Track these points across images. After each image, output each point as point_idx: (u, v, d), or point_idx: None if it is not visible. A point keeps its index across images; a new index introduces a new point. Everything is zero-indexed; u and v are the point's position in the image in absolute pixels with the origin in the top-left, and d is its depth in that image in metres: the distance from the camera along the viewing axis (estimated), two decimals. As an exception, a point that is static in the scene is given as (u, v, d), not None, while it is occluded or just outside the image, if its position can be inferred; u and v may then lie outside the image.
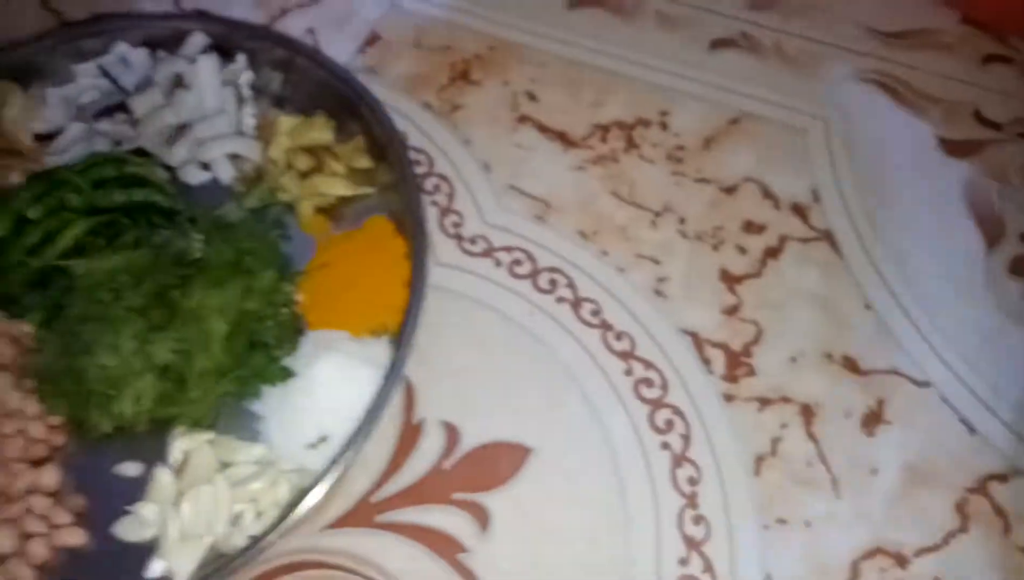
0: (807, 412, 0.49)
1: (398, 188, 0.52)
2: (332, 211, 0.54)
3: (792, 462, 0.48)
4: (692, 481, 0.47)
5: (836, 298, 0.53)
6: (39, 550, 0.44)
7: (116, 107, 0.57)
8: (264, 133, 0.56)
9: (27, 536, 0.44)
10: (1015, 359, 0.51)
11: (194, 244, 0.50)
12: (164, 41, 0.58)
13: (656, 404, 0.49)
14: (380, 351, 0.48)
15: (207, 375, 0.46)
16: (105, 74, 0.58)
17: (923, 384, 0.50)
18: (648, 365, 0.50)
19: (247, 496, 0.45)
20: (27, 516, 0.45)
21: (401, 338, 0.46)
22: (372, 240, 0.52)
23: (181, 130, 0.55)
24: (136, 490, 0.46)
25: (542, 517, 0.46)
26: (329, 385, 0.46)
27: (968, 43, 0.64)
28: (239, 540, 0.43)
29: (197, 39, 0.57)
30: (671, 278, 0.53)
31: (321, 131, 0.54)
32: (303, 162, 0.54)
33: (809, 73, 0.63)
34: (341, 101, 0.56)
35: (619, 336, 0.51)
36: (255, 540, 0.43)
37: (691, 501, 0.47)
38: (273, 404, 0.47)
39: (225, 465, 0.46)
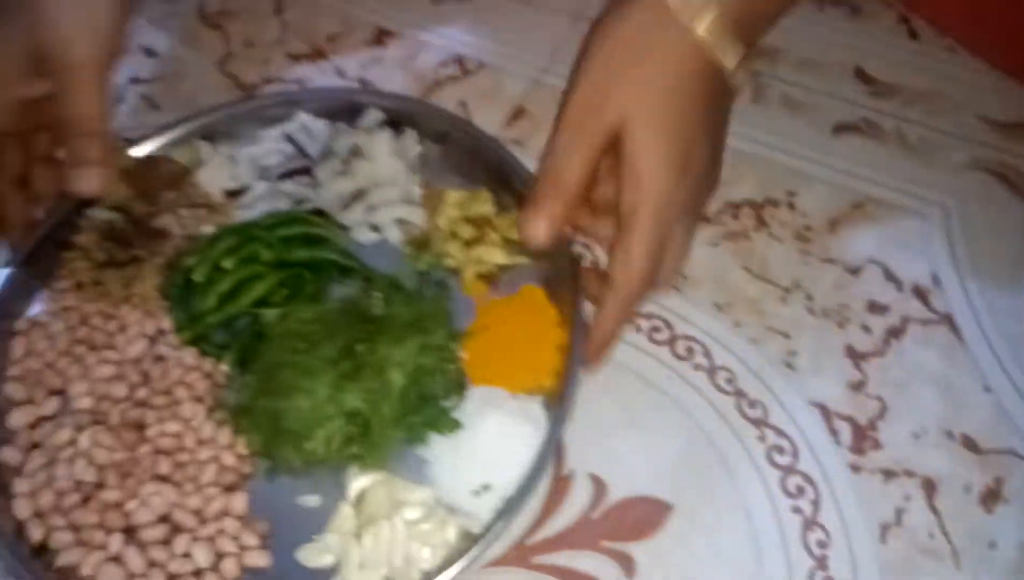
0: (929, 486, 0.53)
1: (552, 259, 0.57)
2: (490, 277, 0.59)
3: (915, 532, 0.51)
4: (822, 544, 0.51)
5: (956, 379, 0.57)
6: (231, 568, 0.50)
7: (297, 170, 0.64)
8: (429, 202, 0.62)
9: (219, 555, 0.50)
10: None
11: (374, 302, 0.56)
12: (338, 111, 0.65)
13: (787, 470, 0.53)
14: (536, 409, 0.53)
15: (387, 422, 0.52)
16: (290, 140, 0.64)
17: (1039, 466, 0.54)
18: (780, 433, 0.55)
19: (419, 535, 0.50)
20: (220, 537, 0.50)
21: (561, 401, 0.51)
22: (527, 306, 0.57)
23: (356, 195, 0.61)
24: (315, 520, 0.51)
25: (684, 570, 0.50)
26: (493, 438, 0.51)
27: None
28: (414, 575, 0.49)
29: (374, 114, 0.64)
30: (800, 352, 0.58)
31: (484, 204, 0.60)
32: (467, 232, 0.60)
33: (928, 160, 0.66)
34: (494, 173, 0.61)
35: (752, 404, 0.56)
36: (428, 575, 0.48)
37: (821, 563, 0.51)
38: (440, 451, 0.52)
39: (398, 504, 0.51)
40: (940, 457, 0.54)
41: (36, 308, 0.59)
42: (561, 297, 0.57)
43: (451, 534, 0.50)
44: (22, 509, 0.50)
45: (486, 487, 0.51)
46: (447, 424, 0.52)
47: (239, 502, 0.52)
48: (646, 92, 0.42)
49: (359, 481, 0.52)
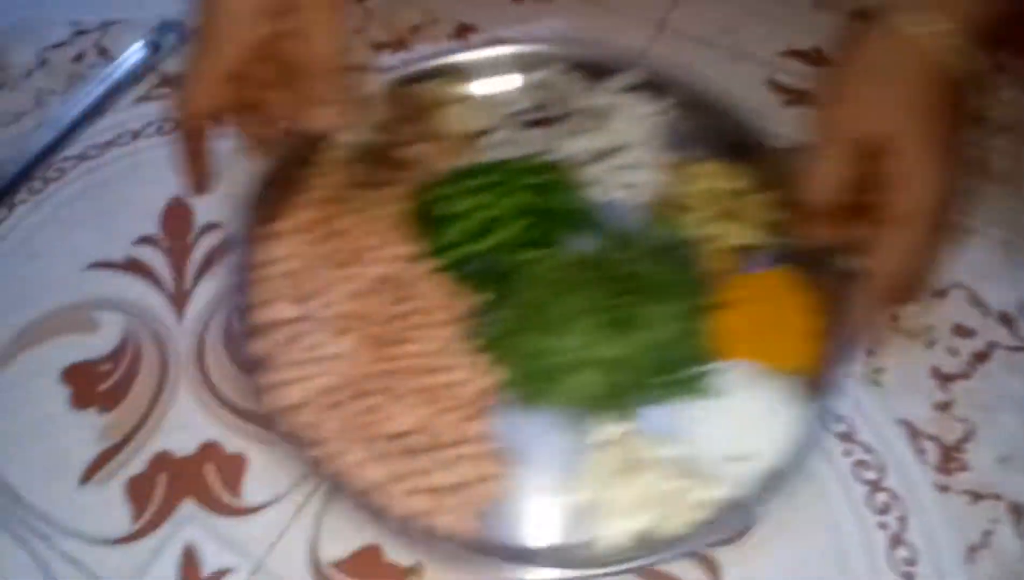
0: (1016, 511, 0.52)
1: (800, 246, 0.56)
2: (732, 254, 0.59)
3: (1003, 555, 0.51)
4: (909, 562, 0.50)
5: None
6: (469, 494, 0.49)
7: (542, 120, 0.64)
8: (676, 170, 0.62)
9: (462, 480, 0.50)
10: None
11: (621, 260, 0.56)
12: (592, 68, 0.65)
13: (874, 486, 0.53)
14: (794, 390, 0.52)
15: (644, 376, 0.52)
16: (541, 89, 0.65)
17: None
18: (866, 449, 0.54)
19: (672, 492, 0.49)
20: (462, 461, 0.50)
21: (825, 390, 0.51)
22: (780, 288, 0.57)
23: (601, 153, 0.62)
24: (553, 461, 0.51)
25: (768, 577, 0.50)
26: (755, 409, 0.51)
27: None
28: (664, 530, 0.48)
29: (628, 76, 0.64)
30: (886, 370, 0.57)
31: (739, 179, 0.60)
32: (718, 205, 0.59)
33: (1012, 190, 0.65)
34: (747, 149, 0.61)
35: (838, 419, 0.55)
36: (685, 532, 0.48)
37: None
38: (698, 414, 0.52)
39: (643, 459, 0.51)
40: None
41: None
42: (819, 282, 0.56)
43: (706, 496, 0.49)
44: (293, 393, 0.51)
45: (744, 456, 0.51)
46: (705, 389, 0.52)
47: (484, 428, 0.51)
48: (907, 111, 0.47)
49: (609, 428, 0.51)
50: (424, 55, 0.65)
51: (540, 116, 0.64)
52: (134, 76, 0.71)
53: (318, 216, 0.59)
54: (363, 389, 0.51)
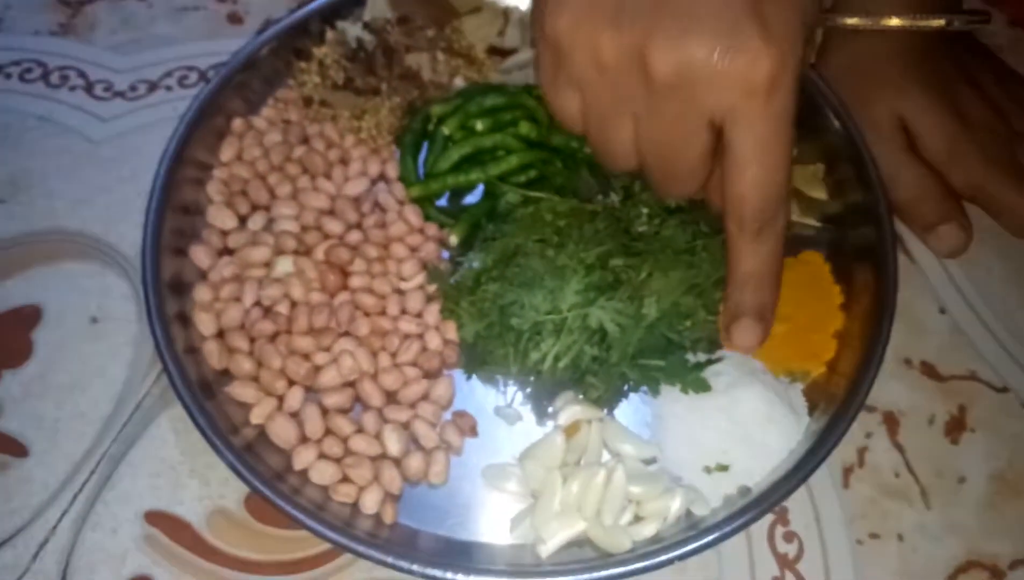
0: (891, 420, 0.46)
1: (866, 251, 0.47)
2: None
3: (880, 472, 0.44)
4: None
5: (912, 303, 0.49)
6: (420, 464, 0.42)
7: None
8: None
9: (415, 446, 0.43)
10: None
11: (634, 217, 0.47)
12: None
13: None
14: (797, 397, 0.44)
15: (626, 355, 0.43)
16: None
17: (1002, 390, 0.47)
18: None
19: (634, 495, 0.41)
20: (417, 423, 0.43)
21: (846, 408, 0.42)
22: (807, 278, 0.48)
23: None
24: (509, 439, 0.44)
25: None
26: (749, 415, 0.42)
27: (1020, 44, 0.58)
28: (619, 541, 0.40)
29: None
30: None
31: (787, 145, 0.50)
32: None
33: None
34: (807, 116, 0.51)
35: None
36: (635, 547, 0.40)
37: (781, 518, 0.43)
38: (679, 411, 0.43)
39: (615, 452, 0.43)
40: (900, 388, 0.47)
41: (254, 112, 0.52)
42: (850, 276, 0.48)
43: (675, 507, 0.41)
44: (204, 325, 0.43)
45: (723, 467, 0.42)
46: (694, 382, 0.43)
47: (445, 389, 0.44)
48: (904, 90, 0.50)
49: (573, 410, 0.43)
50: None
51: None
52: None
53: (290, 117, 0.51)
54: (296, 325, 0.44)
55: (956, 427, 0.46)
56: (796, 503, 0.44)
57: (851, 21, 0.52)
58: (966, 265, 0.50)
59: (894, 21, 0.50)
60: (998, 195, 0.48)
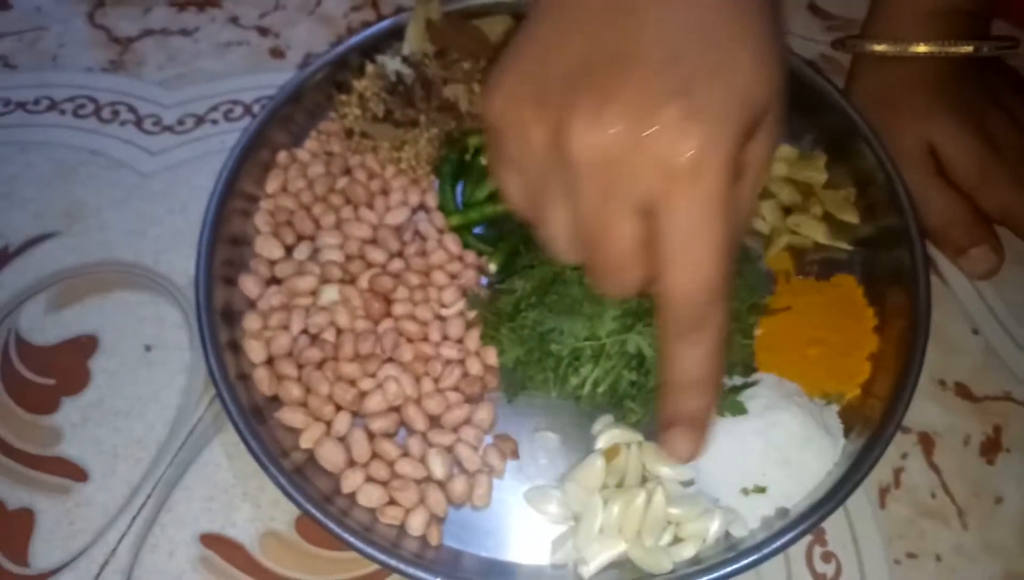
0: (926, 441, 0.46)
1: (898, 274, 0.48)
2: (798, 253, 0.51)
3: (917, 492, 0.45)
4: None
5: (945, 324, 0.49)
6: (464, 488, 0.43)
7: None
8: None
9: (460, 470, 0.44)
10: None
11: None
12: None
13: None
14: (833, 420, 0.45)
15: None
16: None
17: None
18: None
19: (673, 516, 0.42)
20: (460, 447, 0.44)
21: (882, 430, 0.43)
22: (841, 300, 0.49)
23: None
24: (550, 462, 0.45)
25: None
26: (786, 438, 0.43)
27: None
28: (660, 558, 0.41)
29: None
30: None
31: (818, 170, 0.51)
32: (787, 195, 0.51)
33: None
34: (830, 136, 0.53)
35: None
36: (676, 569, 0.41)
37: (819, 539, 0.44)
38: (716, 433, 0.44)
39: (654, 475, 0.44)
40: (935, 409, 0.47)
41: (298, 144, 0.54)
42: (883, 299, 0.48)
43: (714, 529, 0.42)
44: (254, 352, 0.45)
45: (760, 489, 0.43)
46: (732, 405, 0.44)
47: (486, 413, 0.45)
48: (933, 115, 0.51)
49: (612, 434, 0.44)
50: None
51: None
52: None
53: (333, 149, 0.53)
54: (342, 352, 0.45)
55: (992, 447, 0.46)
56: (833, 524, 0.44)
57: (879, 48, 0.52)
58: (998, 286, 0.51)
59: (922, 48, 0.51)
60: None
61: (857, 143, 0.51)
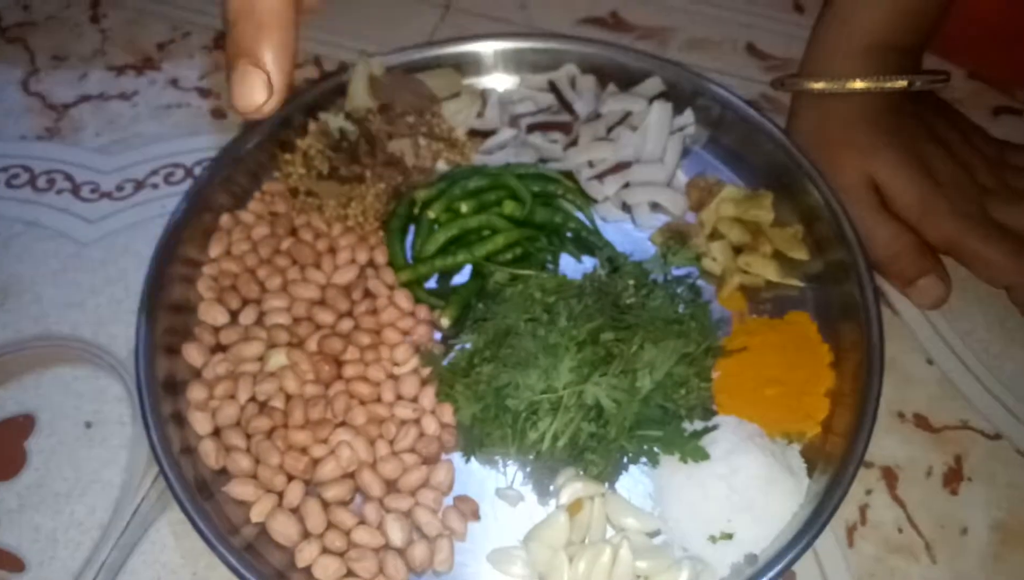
0: (889, 475, 0.46)
1: (850, 308, 0.48)
2: (751, 292, 0.51)
3: (883, 529, 0.44)
4: None
5: (899, 356, 0.50)
6: (424, 553, 0.42)
7: (551, 124, 0.56)
8: (695, 193, 0.53)
9: (419, 535, 0.42)
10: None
11: (622, 289, 0.48)
12: (612, 72, 0.57)
13: None
14: (795, 460, 0.45)
15: (623, 429, 0.43)
16: (554, 90, 0.57)
17: (995, 438, 0.47)
18: None
19: (641, 570, 0.41)
20: (419, 511, 0.43)
21: (844, 467, 0.42)
22: (796, 338, 0.49)
23: (615, 167, 0.54)
24: (512, 520, 0.44)
25: None
26: (750, 482, 0.42)
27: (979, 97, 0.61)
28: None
29: (654, 83, 0.56)
30: None
31: (766, 210, 0.52)
32: (737, 235, 0.51)
33: None
34: (775, 174, 0.53)
35: None
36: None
37: None
38: (680, 481, 0.43)
39: (619, 528, 0.43)
40: (895, 442, 0.47)
41: (242, 206, 0.53)
42: (837, 334, 0.48)
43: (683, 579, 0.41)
44: (200, 424, 0.43)
45: (727, 536, 0.42)
46: (693, 451, 0.43)
47: (445, 474, 0.44)
48: (873, 151, 0.52)
49: (575, 488, 0.43)
50: (425, 44, 0.58)
51: (548, 120, 0.56)
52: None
53: (278, 209, 0.52)
54: (293, 419, 0.44)
55: (954, 478, 0.46)
56: (803, 566, 0.43)
57: (817, 85, 0.53)
58: (949, 316, 0.51)
59: (858, 84, 0.52)
60: (972, 248, 0.49)
61: (801, 180, 0.52)
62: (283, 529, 0.41)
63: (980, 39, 0.58)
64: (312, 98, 0.55)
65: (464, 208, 0.51)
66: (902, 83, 0.52)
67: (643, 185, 0.53)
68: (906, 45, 0.53)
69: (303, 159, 0.54)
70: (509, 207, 0.51)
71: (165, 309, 0.47)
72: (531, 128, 0.56)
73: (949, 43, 0.58)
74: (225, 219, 0.52)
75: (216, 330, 0.47)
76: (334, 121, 0.54)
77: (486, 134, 0.56)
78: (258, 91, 0.33)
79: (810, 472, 0.44)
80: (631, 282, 0.48)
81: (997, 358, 0.50)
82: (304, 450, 0.43)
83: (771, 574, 0.40)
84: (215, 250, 0.51)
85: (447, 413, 0.45)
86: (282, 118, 0.55)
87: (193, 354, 0.46)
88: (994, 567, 0.43)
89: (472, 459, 0.45)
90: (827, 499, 0.42)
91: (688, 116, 0.55)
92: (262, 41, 0.33)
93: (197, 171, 0.57)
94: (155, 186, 0.56)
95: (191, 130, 0.59)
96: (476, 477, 0.45)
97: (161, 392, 0.44)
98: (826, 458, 0.44)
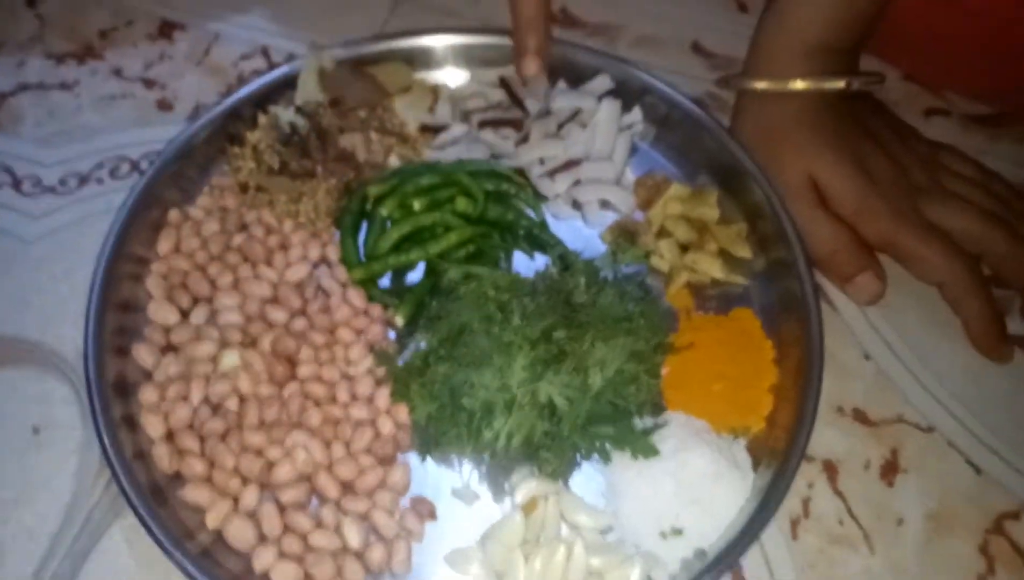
0: (830, 468, 0.48)
1: (791, 304, 0.50)
2: (698, 289, 0.52)
3: (825, 521, 0.47)
4: None
5: (838, 351, 0.52)
6: (381, 556, 0.42)
7: (502, 121, 0.56)
8: (643, 191, 0.54)
9: (377, 537, 0.43)
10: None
11: (573, 287, 0.49)
12: (560, 69, 0.57)
13: None
14: (741, 454, 0.46)
15: (576, 426, 0.44)
16: (504, 85, 0.57)
17: (928, 430, 0.49)
18: None
19: (595, 567, 0.42)
20: (376, 513, 0.43)
21: (788, 461, 0.44)
22: (741, 334, 0.50)
23: (565, 165, 0.54)
24: (468, 519, 0.44)
25: None
26: (697, 477, 0.44)
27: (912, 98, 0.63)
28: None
29: (603, 81, 0.57)
30: None
31: (710, 207, 0.53)
32: (683, 233, 0.52)
33: None
34: (720, 171, 0.55)
35: None
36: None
37: (736, 574, 0.45)
38: (631, 477, 0.45)
39: (573, 525, 0.44)
40: (835, 436, 0.49)
41: (190, 201, 0.52)
42: (779, 330, 0.50)
43: (635, 576, 0.42)
44: (152, 427, 0.43)
45: (677, 531, 0.44)
46: (642, 447, 0.45)
47: (401, 475, 0.44)
48: (813, 150, 0.53)
49: (529, 486, 0.44)
50: (375, 37, 0.57)
51: (499, 117, 0.56)
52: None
53: (227, 204, 0.52)
54: (247, 421, 0.44)
55: (890, 470, 0.48)
56: (750, 558, 0.45)
57: (760, 85, 0.55)
58: (885, 311, 0.53)
59: (799, 84, 0.53)
60: (906, 246, 0.51)
61: (745, 179, 0.53)
62: (239, 534, 0.41)
63: (912, 41, 0.60)
64: (261, 90, 0.55)
65: (417, 205, 0.52)
66: (840, 84, 0.53)
67: (593, 182, 0.54)
68: (844, 46, 0.55)
69: (253, 153, 0.53)
70: (462, 204, 0.52)
71: (114, 308, 0.47)
72: (482, 124, 0.56)
73: (884, 44, 0.59)
74: (174, 214, 0.51)
75: (167, 330, 0.47)
76: (284, 115, 0.54)
77: (437, 129, 0.56)
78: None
79: (755, 467, 0.46)
80: (582, 280, 0.49)
81: (929, 353, 0.52)
82: (259, 452, 0.43)
83: (719, 568, 0.41)
84: (164, 247, 0.50)
85: (402, 413, 0.46)
86: (231, 110, 0.54)
87: (144, 355, 0.46)
88: (927, 556, 0.45)
89: (428, 459, 0.46)
90: (772, 493, 0.43)
91: (636, 114, 0.56)
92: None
93: (144, 165, 0.56)
94: (100, 181, 0.55)
95: (136, 122, 0.58)
96: (432, 477, 0.45)
97: (111, 394, 0.44)
98: (770, 453, 0.46)
